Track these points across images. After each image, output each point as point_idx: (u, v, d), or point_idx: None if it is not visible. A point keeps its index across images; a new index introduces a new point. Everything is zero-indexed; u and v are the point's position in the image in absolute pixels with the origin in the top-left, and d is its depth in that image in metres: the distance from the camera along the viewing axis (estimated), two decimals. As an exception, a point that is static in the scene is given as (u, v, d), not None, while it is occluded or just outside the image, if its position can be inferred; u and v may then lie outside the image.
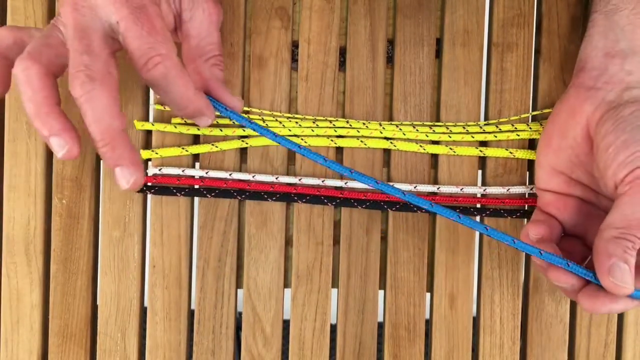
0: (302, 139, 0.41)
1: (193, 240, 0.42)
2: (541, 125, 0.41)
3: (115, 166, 0.30)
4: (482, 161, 0.42)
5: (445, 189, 0.41)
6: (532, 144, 0.42)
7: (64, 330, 0.42)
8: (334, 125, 0.41)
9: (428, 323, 0.42)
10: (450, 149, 0.41)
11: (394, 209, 0.41)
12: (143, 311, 0.42)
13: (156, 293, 0.42)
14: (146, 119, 0.42)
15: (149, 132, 0.42)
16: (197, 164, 0.42)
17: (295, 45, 0.42)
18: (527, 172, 0.42)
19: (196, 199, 0.42)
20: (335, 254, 0.42)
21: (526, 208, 0.42)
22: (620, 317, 0.42)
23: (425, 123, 0.41)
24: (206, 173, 0.41)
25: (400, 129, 0.41)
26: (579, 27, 0.41)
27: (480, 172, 0.42)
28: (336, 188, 0.41)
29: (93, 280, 0.42)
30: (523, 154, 0.41)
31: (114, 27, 0.31)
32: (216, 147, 0.41)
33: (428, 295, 0.42)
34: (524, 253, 0.41)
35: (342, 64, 0.42)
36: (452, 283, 0.42)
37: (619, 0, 0.35)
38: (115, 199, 0.42)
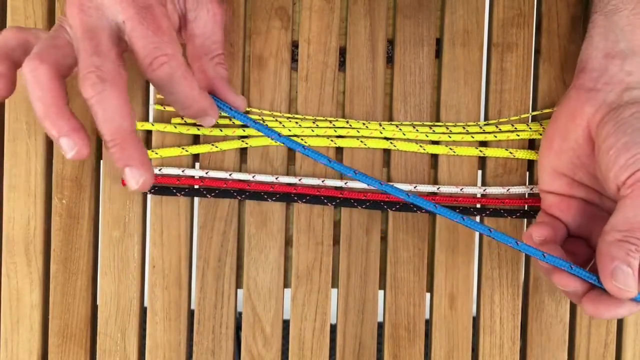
0: (302, 139, 0.41)
1: (193, 240, 0.42)
2: (541, 125, 0.41)
3: (125, 166, 0.30)
4: (482, 161, 0.42)
5: (445, 189, 0.41)
6: (532, 144, 0.42)
7: (64, 330, 0.42)
8: (333, 125, 0.41)
9: (428, 323, 0.42)
10: (450, 149, 0.41)
11: (394, 209, 0.41)
12: (143, 311, 0.42)
13: (156, 293, 0.42)
14: (146, 119, 0.42)
15: (149, 132, 0.42)
16: (197, 164, 0.42)
17: (295, 45, 0.42)
18: (527, 172, 0.42)
19: (196, 199, 0.42)
20: (335, 254, 0.42)
21: (526, 208, 0.42)
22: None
23: (425, 123, 0.41)
24: (206, 173, 0.41)
25: (400, 129, 0.41)
26: (579, 27, 0.41)
27: (480, 172, 0.42)
28: (336, 188, 0.41)
29: (93, 280, 0.42)
30: (523, 154, 0.41)
31: (120, 26, 0.31)
32: (216, 147, 0.41)
33: (428, 295, 0.42)
34: (524, 253, 0.41)
35: (342, 64, 0.42)
36: (452, 283, 0.42)
37: (618, 0, 0.35)
38: (115, 199, 0.42)
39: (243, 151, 0.42)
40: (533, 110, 0.42)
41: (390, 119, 0.42)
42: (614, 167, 0.32)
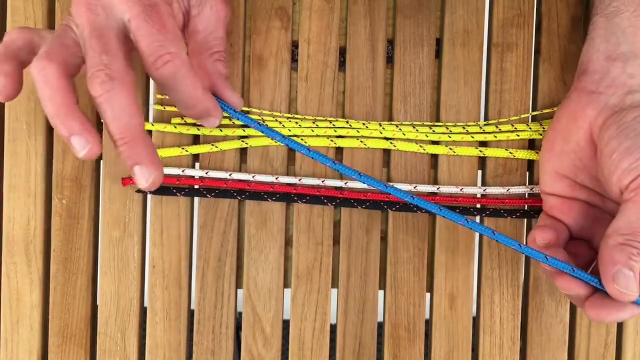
0: (302, 139, 0.41)
1: (193, 240, 0.42)
2: (541, 125, 0.41)
3: (134, 165, 0.30)
4: (482, 161, 0.42)
5: (445, 189, 0.41)
6: (532, 144, 0.42)
7: (64, 330, 0.42)
8: (333, 125, 0.41)
9: (428, 323, 0.42)
10: (450, 149, 0.41)
11: (393, 209, 0.41)
12: (143, 311, 0.42)
13: (156, 293, 0.42)
14: (146, 119, 0.42)
15: (149, 132, 0.42)
16: (197, 164, 0.42)
17: (295, 45, 0.42)
18: (527, 172, 0.42)
19: (196, 199, 0.42)
20: (335, 254, 0.42)
21: (526, 208, 0.42)
22: (620, 317, 0.42)
23: (425, 123, 0.41)
24: (206, 173, 0.41)
25: (400, 129, 0.41)
26: (579, 27, 0.41)
27: (480, 172, 0.42)
28: (336, 188, 0.41)
29: (93, 280, 0.42)
30: (523, 154, 0.41)
31: (126, 25, 0.31)
32: (216, 147, 0.41)
33: (428, 295, 0.42)
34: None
35: (342, 64, 0.42)
36: (452, 283, 0.42)
37: (620, 2, 0.35)
38: (115, 199, 0.42)
39: (243, 151, 0.42)
40: (533, 110, 0.42)
41: (390, 119, 0.42)
42: (616, 170, 0.32)
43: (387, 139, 0.41)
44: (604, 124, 0.34)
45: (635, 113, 0.33)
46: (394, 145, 0.41)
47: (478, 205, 0.41)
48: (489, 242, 0.42)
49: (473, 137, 0.41)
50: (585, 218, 0.37)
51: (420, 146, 0.41)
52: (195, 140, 0.42)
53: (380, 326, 0.42)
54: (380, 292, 0.42)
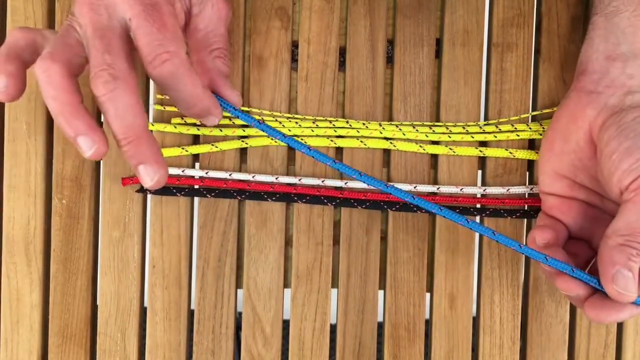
0: (302, 139, 0.41)
1: (193, 240, 0.42)
2: (541, 125, 0.41)
3: (139, 164, 0.30)
4: (482, 161, 0.42)
5: (445, 189, 0.41)
6: (532, 144, 0.42)
7: (64, 330, 0.42)
8: (333, 125, 0.41)
9: (428, 323, 0.42)
10: (450, 149, 0.41)
11: (393, 209, 0.41)
12: (143, 311, 0.42)
13: (156, 293, 0.42)
14: (146, 119, 0.42)
15: (148, 132, 0.42)
16: (197, 164, 0.42)
17: (295, 45, 0.42)
18: (527, 172, 0.42)
19: (196, 199, 0.42)
20: (335, 254, 0.42)
21: (526, 208, 0.42)
22: (620, 317, 0.42)
23: (425, 123, 0.41)
24: (206, 173, 0.41)
25: (400, 129, 0.41)
26: (579, 27, 0.41)
27: (480, 172, 0.42)
28: (336, 188, 0.41)
29: (93, 280, 0.42)
30: (523, 154, 0.41)
31: (128, 24, 0.31)
32: (216, 147, 0.41)
33: (428, 295, 0.42)
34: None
35: (342, 64, 0.42)
36: (452, 283, 0.42)
37: (619, 2, 0.35)
38: (115, 199, 0.42)
39: (243, 151, 0.42)
40: (533, 110, 0.42)
41: (390, 119, 0.42)
42: (616, 171, 0.32)
43: (387, 139, 0.41)
44: (604, 124, 0.34)
45: (635, 113, 0.33)
46: (394, 145, 0.41)
47: (478, 205, 0.41)
48: (489, 242, 0.42)
49: (473, 137, 0.41)
50: (585, 218, 0.37)
51: (420, 146, 0.41)
52: (195, 140, 0.42)
53: (380, 326, 0.42)
54: (380, 292, 0.42)
